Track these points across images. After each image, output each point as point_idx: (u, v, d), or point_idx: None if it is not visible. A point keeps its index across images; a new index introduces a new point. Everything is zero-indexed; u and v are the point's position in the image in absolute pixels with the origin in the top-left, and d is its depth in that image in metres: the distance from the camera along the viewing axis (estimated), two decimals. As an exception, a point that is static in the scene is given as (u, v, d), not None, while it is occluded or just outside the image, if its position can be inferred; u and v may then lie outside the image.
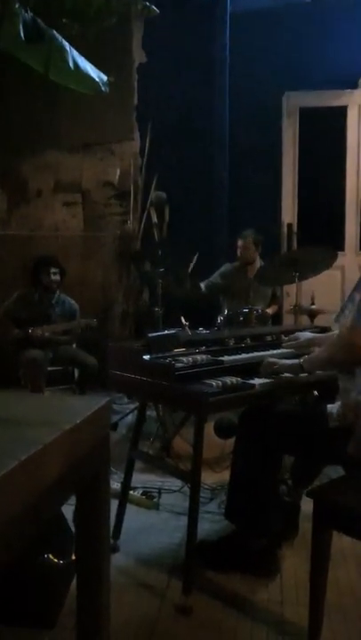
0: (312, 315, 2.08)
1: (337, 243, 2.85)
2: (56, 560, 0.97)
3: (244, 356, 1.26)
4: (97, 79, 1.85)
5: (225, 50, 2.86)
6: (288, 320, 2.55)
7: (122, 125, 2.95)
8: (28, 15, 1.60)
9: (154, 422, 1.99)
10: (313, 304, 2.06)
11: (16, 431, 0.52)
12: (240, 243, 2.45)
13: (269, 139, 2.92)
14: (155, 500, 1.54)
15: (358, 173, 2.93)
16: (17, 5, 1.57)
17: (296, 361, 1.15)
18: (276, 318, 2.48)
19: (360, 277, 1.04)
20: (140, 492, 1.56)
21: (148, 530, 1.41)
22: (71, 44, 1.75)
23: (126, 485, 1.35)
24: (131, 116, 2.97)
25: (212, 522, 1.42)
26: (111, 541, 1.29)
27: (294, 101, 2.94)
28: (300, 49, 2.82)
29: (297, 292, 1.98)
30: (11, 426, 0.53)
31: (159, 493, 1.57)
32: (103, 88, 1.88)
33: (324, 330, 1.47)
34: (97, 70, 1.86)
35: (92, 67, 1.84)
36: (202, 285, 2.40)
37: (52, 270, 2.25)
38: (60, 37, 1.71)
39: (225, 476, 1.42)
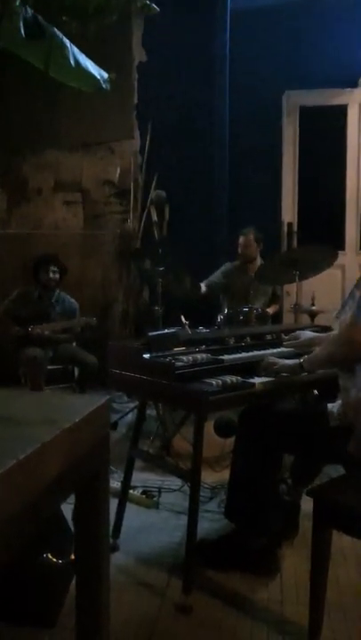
0: (312, 314, 2.08)
1: (337, 242, 2.84)
2: (55, 559, 0.97)
3: (244, 354, 1.26)
4: (98, 76, 1.84)
5: (225, 48, 2.85)
6: (288, 319, 2.54)
7: (122, 124, 2.95)
8: (29, 12, 1.59)
9: (154, 421, 1.98)
10: (313, 303, 2.05)
11: (15, 430, 0.51)
12: (241, 240, 2.44)
13: (269, 137, 2.92)
14: (155, 498, 1.54)
15: (359, 172, 2.92)
16: (17, 3, 1.57)
17: (296, 361, 1.15)
18: (277, 317, 2.47)
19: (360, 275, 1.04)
20: (140, 490, 1.56)
21: (148, 529, 1.41)
22: (71, 42, 1.74)
23: (126, 484, 1.35)
24: (131, 114, 2.96)
25: (211, 521, 1.42)
26: (111, 540, 1.29)
27: (294, 100, 2.93)
28: (300, 47, 2.81)
29: (297, 292, 1.98)
30: (10, 424, 0.53)
31: (159, 492, 1.57)
32: (104, 85, 1.87)
33: (324, 329, 1.47)
34: (98, 67, 1.85)
35: (93, 64, 1.83)
36: (202, 285, 2.40)
37: (52, 268, 2.25)
38: (60, 34, 1.70)
39: (225, 475, 1.42)
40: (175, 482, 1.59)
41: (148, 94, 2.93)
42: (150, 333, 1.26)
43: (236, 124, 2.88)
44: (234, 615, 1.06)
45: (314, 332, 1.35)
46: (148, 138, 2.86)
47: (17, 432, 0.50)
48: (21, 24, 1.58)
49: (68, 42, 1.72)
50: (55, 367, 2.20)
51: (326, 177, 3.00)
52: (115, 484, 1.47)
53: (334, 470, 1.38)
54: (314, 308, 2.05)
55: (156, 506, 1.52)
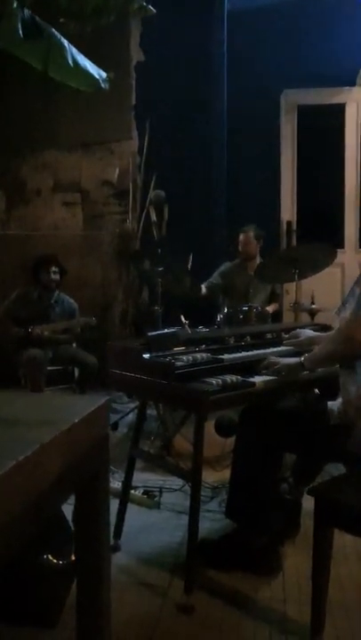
0: (312, 312, 2.08)
1: (336, 240, 2.85)
2: (56, 560, 0.97)
3: (244, 354, 1.26)
4: (96, 76, 1.84)
5: (222, 48, 2.85)
6: (288, 318, 2.54)
7: (120, 124, 2.94)
8: (27, 13, 1.60)
9: (154, 421, 1.98)
10: (313, 302, 2.05)
11: (14, 431, 0.51)
12: (241, 237, 2.44)
13: (268, 136, 2.92)
14: (156, 499, 1.54)
15: (357, 170, 2.92)
16: (15, 5, 1.57)
17: (297, 359, 1.15)
18: (277, 316, 2.47)
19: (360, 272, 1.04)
20: (141, 491, 1.56)
21: (150, 529, 1.41)
22: (69, 42, 1.74)
23: (127, 484, 1.35)
24: (129, 114, 2.96)
25: (213, 520, 1.42)
26: (112, 541, 1.29)
27: (292, 99, 2.93)
28: (297, 47, 2.81)
29: (297, 290, 1.98)
30: (9, 425, 0.53)
31: (160, 492, 1.57)
32: (103, 85, 1.87)
33: (324, 327, 1.47)
34: (96, 67, 1.85)
35: (92, 63, 1.83)
36: (203, 287, 2.40)
37: (53, 269, 2.25)
38: (58, 35, 1.70)
39: (226, 474, 1.42)
40: (176, 482, 1.59)
41: (146, 94, 2.92)
42: (150, 333, 1.26)
43: (234, 123, 2.88)
44: (236, 615, 1.06)
45: (314, 330, 1.35)
46: (146, 138, 2.86)
47: (16, 433, 0.50)
48: (19, 24, 1.58)
49: (66, 42, 1.72)
50: (55, 368, 2.20)
51: (325, 175, 3.00)
52: (116, 484, 1.47)
53: (335, 469, 1.38)
54: (314, 306, 2.05)
55: (158, 506, 1.52)
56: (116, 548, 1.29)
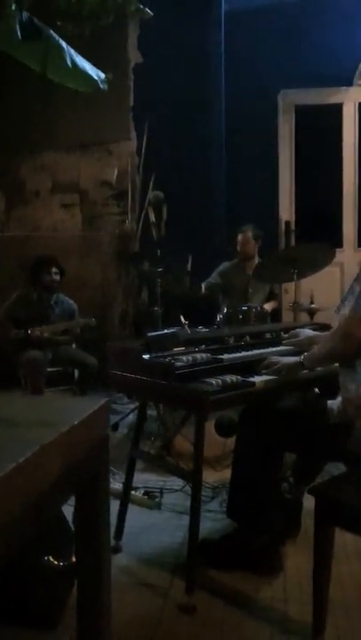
0: (311, 312, 2.08)
1: (335, 239, 2.85)
2: (56, 562, 0.97)
3: (243, 353, 1.26)
4: (95, 77, 1.84)
5: (220, 48, 2.86)
6: (287, 317, 2.54)
7: (119, 125, 2.95)
8: (25, 15, 1.60)
9: (154, 422, 1.98)
10: (312, 301, 2.05)
11: (14, 432, 0.51)
12: (239, 237, 2.45)
13: (266, 136, 2.92)
14: (156, 499, 1.54)
15: (355, 170, 2.93)
16: (13, 7, 1.57)
17: (296, 358, 1.15)
18: (276, 316, 2.48)
19: (360, 269, 1.04)
20: (142, 491, 1.56)
21: (150, 529, 1.41)
22: (67, 44, 1.74)
23: (128, 485, 1.35)
24: (127, 115, 2.97)
25: (213, 520, 1.42)
26: (113, 542, 1.29)
27: (290, 99, 2.94)
28: (295, 47, 2.82)
29: (296, 290, 1.98)
30: (9, 427, 0.53)
31: (161, 493, 1.57)
32: (102, 85, 1.87)
33: (323, 327, 1.47)
34: (95, 68, 1.85)
35: (90, 65, 1.83)
36: (202, 286, 2.40)
37: (53, 270, 2.25)
38: (56, 36, 1.70)
39: (226, 474, 1.42)
40: (177, 482, 1.59)
41: (145, 95, 2.93)
42: (150, 334, 1.26)
43: (232, 123, 2.88)
44: (237, 615, 1.06)
45: (313, 330, 1.35)
46: (144, 139, 2.87)
47: (16, 435, 0.50)
48: (18, 26, 1.58)
49: (64, 43, 1.73)
50: (55, 369, 2.20)
51: (323, 175, 3.01)
52: (116, 485, 1.47)
53: (336, 468, 1.37)
54: (313, 305, 2.05)
55: (158, 506, 1.52)
56: (116, 549, 1.29)
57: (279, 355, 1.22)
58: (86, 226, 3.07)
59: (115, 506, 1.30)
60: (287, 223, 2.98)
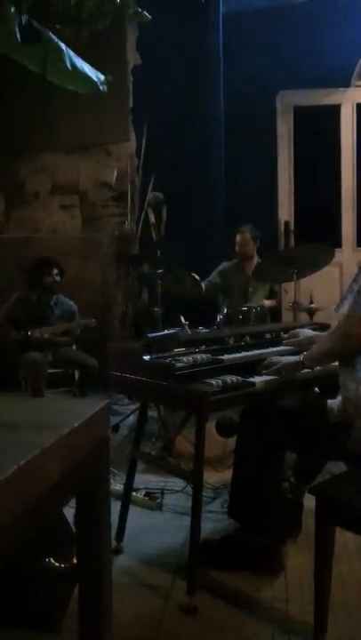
0: (311, 312, 2.08)
1: (334, 240, 2.85)
2: (57, 564, 0.97)
3: (243, 354, 1.26)
4: (95, 78, 1.85)
5: (218, 50, 2.87)
6: (287, 317, 2.55)
7: (118, 127, 2.95)
8: (24, 17, 1.61)
9: (155, 422, 1.98)
10: (312, 301, 2.06)
11: (15, 435, 0.52)
12: (238, 238, 2.46)
13: (264, 137, 2.93)
14: (157, 500, 1.54)
15: (353, 170, 2.94)
16: (12, 10, 1.58)
17: (296, 358, 1.15)
18: (276, 315, 2.48)
19: (358, 269, 1.04)
20: (143, 492, 1.56)
21: (152, 530, 1.41)
22: (67, 46, 1.75)
23: (129, 486, 1.35)
24: (126, 117, 2.97)
25: (215, 521, 1.42)
26: (114, 543, 1.29)
27: (288, 100, 2.95)
28: (293, 48, 2.83)
29: (295, 290, 1.98)
30: (10, 429, 0.53)
31: (162, 494, 1.57)
32: (101, 87, 1.88)
33: (323, 327, 1.47)
34: (94, 70, 1.86)
35: (90, 66, 1.84)
36: (202, 285, 2.40)
37: (54, 271, 2.25)
38: (55, 38, 1.71)
39: (227, 475, 1.42)
40: (178, 483, 1.59)
41: (144, 97, 2.93)
42: (150, 335, 1.26)
43: (231, 124, 2.89)
44: (239, 615, 1.07)
45: (313, 330, 1.35)
46: (143, 140, 2.87)
47: (17, 437, 0.51)
48: (17, 29, 1.59)
49: (63, 45, 1.73)
50: (55, 370, 2.20)
51: (322, 175, 3.01)
52: (117, 486, 1.47)
53: (336, 468, 1.38)
54: (312, 305, 2.06)
55: (159, 507, 1.52)
56: (118, 550, 1.29)
57: (279, 355, 1.22)
58: (86, 227, 3.07)
59: (116, 507, 1.30)
60: (286, 223, 2.99)
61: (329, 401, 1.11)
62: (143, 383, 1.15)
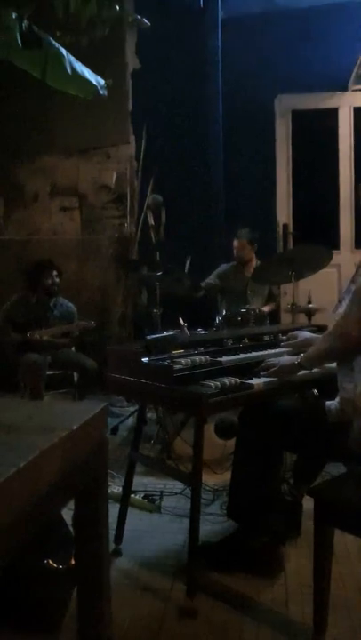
0: (309, 313, 2.09)
1: (332, 241, 2.87)
2: (56, 565, 0.97)
3: (242, 356, 1.26)
4: (95, 83, 1.86)
5: (217, 54, 2.89)
6: (286, 319, 2.56)
7: (117, 129, 2.97)
8: (25, 23, 1.62)
9: (154, 425, 1.98)
10: (310, 303, 2.07)
11: (14, 437, 0.52)
12: (235, 243, 2.48)
13: (263, 140, 2.95)
14: (156, 502, 1.53)
15: (351, 172, 2.95)
16: (14, 16, 1.59)
17: (294, 359, 1.16)
18: (274, 317, 2.49)
19: (356, 270, 1.04)
20: (142, 495, 1.56)
21: (151, 533, 1.41)
22: (66, 51, 1.76)
23: (128, 489, 1.35)
24: (126, 120, 2.99)
25: (214, 523, 1.42)
26: (114, 545, 1.29)
27: (287, 104, 2.97)
28: (291, 53, 2.85)
29: (294, 291, 1.99)
30: (8, 432, 0.53)
31: (161, 496, 1.57)
32: (101, 91, 1.89)
33: (321, 329, 1.47)
34: (94, 74, 1.87)
35: (90, 71, 1.85)
36: (201, 287, 2.41)
37: (54, 273, 2.26)
38: (56, 44, 1.72)
39: (226, 477, 1.42)
40: (177, 485, 1.59)
41: (143, 100, 2.96)
42: (148, 337, 1.27)
43: (229, 127, 2.91)
44: (239, 617, 1.06)
45: (311, 332, 1.36)
46: (143, 143, 2.89)
47: (15, 440, 0.51)
48: (18, 34, 1.60)
49: (64, 50, 1.74)
50: (54, 372, 2.20)
51: (320, 178, 3.03)
52: (116, 488, 1.47)
53: (336, 469, 1.38)
54: (311, 307, 2.07)
55: (158, 510, 1.52)
56: (117, 553, 1.29)
57: (278, 357, 1.23)
58: (85, 229, 3.08)
59: (115, 509, 1.30)
60: (285, 226, 3.00)
61: (327, 402, 1.11)
62: (142, 385, 1.15)
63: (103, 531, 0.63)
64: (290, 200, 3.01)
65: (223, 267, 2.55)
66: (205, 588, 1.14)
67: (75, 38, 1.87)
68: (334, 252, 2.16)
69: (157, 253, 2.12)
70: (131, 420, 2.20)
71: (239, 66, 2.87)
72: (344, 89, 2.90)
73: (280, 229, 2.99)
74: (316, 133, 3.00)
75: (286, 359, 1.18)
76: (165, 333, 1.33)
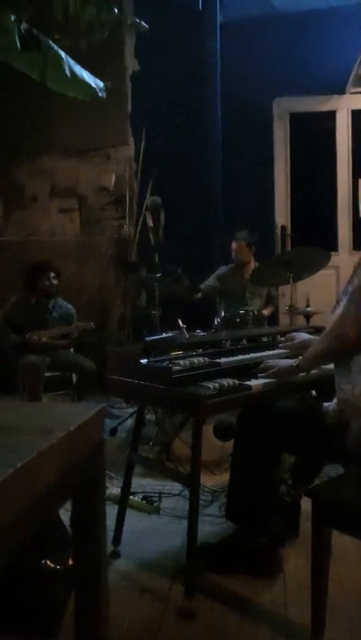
0: (307, 315, 2.10)
1: (330, 243, 2.88)
2: (53, 566, 0.97)
3: (240, 357, 1.27)
4: (94, 85, 1.87)
5: (216, 57, 2.91)
6: (284, 321, 2.56)
7: (117, 131, 2.98)
8: (24, 26, 1.63)
9: (153, 426, 1.99)
10: (308, 305, 2.08)
11: (12, 438, 0.52)
12: (234, 245, 2.50)
13: (261, 143, 2.97)
14: (155, 504, 1.53)
15: (349, 175, 2.97)
16: (13, 18, 1.60)
17: (292, 361, 1.16)
18: (272, 319, 2.50)
19: (353, 271, 1.05)
20: (141, 496, 1.56)
21: (150, 534, 1.40)
22: (65, 53, 1.78)
23: (126, 490, 1.35)
24: (125, 122, 3.01)
25: (212, 524, 1.42)
26: (112, 547, 1.29)
27: (285, 106, 2.99)
28: (289, 56, 2.87)
29: (292, 293, 2.00)
30: (6, 433, 0.54)
31: (159, 497, 1.57)
32: (100, 94, 1.90)
33: (319, 330, 1.48)
34: (93, 77, 1.89)
35: (88, 73, 1.86)
36: (200, 288, 2.42)
37: (52, 275, 2.26)
38: (55, 46, 1.74)
39: (225, 478, 1.42)
40: (176, 486, 1.59)
41: (142, 102, 2.97)
42: (147, 338, 1.27)
43: (228, 130, 2.93)
44: (237, 619, 1.06)
45: (309, 333, 1.37)
46: (142, 145, 2.90)
47: (13, 441, 0.51)
48: (17, 37, 1.61)
49: (63, 53, 1.76)
50: (53, 374, 2.20)
51: (318, 180, 3.05)
52: (115, 490, 1.47)
53: (334, 470, 1.38)
54: (309, 309, 2.07)
55: (157, 511, 1.52)
56: (115, 554, 1.29)
57: (276, 358, 1.23)
58: (84, 231, 3.09)
59: (113, 511, 1.30)
60: (283, 228, 3.02)
61: (325, 404, 1.11)
62: (141, 386, 1.16)
63: (101, 531, 0.63)
64: (288, 202, 3.03)
65: (222, 269, 2.56)
66: (204, 589, 1.14)
67: (74, 41, 1.88)
68: (333, 253, 2.16)
69: (156, 255, 2.13)
70: (130, 422, 2.19)
71: (238, 68, 2.89)
72: (342, 92, 2.92)
73: (278, 231, 3.01)
74: (314, 136, 3.02)
75: (285, 361, 1.19)
76: (164, 335, 1.33)
